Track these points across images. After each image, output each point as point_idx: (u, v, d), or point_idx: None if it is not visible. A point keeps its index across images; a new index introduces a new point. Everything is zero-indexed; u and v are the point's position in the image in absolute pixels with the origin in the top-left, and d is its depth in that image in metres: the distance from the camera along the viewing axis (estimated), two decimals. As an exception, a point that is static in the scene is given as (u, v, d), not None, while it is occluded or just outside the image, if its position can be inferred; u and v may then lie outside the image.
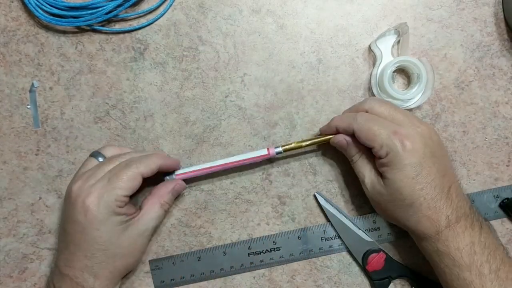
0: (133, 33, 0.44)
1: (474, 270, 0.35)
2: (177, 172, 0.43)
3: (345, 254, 0.45)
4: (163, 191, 0.41)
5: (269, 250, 0.44)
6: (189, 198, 0.45)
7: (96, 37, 0.44)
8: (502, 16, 0.45)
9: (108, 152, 0.41)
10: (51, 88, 0.44)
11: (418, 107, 0.45)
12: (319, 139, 0.42)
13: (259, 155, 0.42)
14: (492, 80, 0.45)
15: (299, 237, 0.45)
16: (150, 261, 0.44)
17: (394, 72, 0.45)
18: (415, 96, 0.43)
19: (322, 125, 0.45)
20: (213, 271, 0.44)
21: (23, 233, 0.44)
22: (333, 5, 0.45)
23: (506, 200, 0.45)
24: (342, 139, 0.40)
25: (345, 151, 0.41)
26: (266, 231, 0.45)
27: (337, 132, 0.41)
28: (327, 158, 0.45)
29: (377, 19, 0.45)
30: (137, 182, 0.38)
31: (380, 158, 0.37)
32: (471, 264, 0.35)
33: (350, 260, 0.45)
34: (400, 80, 0.46)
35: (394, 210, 0.38)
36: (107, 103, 0.44)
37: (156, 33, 0.44)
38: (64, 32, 0.44)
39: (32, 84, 0.44)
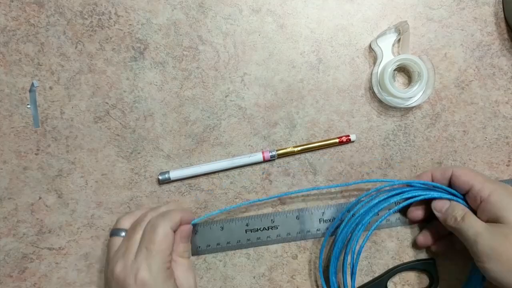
0: (133, 33, 0.44)
1: None
2: (173, 177, 0.43)
3: (345, 254, 0.45)
4: (174, 245, 0.39)
5: (267, 228, 0.44)
6: (189, 198, 0.45)
7: (96, 36, 0.44)
8: (502, 16, 0.45)
9: (125, 223, 0.40)
10: (51, 88, 0.44)
11: (419, 107, 0.45)
12: (314, 145, 0.44)
13: (254, 161, 0.44)
14: (492, 79, 0.45)
15: (297, 217, 0.45)
16: None
17: (394, 70, 0.45)
18: (416, 95, 0.43)
19: (322, 124, 0.45)
20: (209, 245, 0.44)
21: (23, 233, 0.44)
22: (333, 4, 0.45)
23: None
24: (443, 202, 0.40)
25: (445, 213, 0.40)
26: (266, 231, 0.45)
27: (431, 179, 0.41)
28: (327, 158, 0.45)
29: (377, 19, 0.45)
30: (171, 238, 0.37)
31: (481, 201, 0.37)
32: None
33: (351, 260, 0.45)
34: (400, 79, 0.46)
35: None
36: (107, 103, 0.44)
37: (156, 32, 0.44)
38: (64, 32, 0.44)
39: (32, 84, 0.44)
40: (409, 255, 0.45)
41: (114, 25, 0.44)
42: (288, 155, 0.45)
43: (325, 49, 0.45)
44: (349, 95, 0.45)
